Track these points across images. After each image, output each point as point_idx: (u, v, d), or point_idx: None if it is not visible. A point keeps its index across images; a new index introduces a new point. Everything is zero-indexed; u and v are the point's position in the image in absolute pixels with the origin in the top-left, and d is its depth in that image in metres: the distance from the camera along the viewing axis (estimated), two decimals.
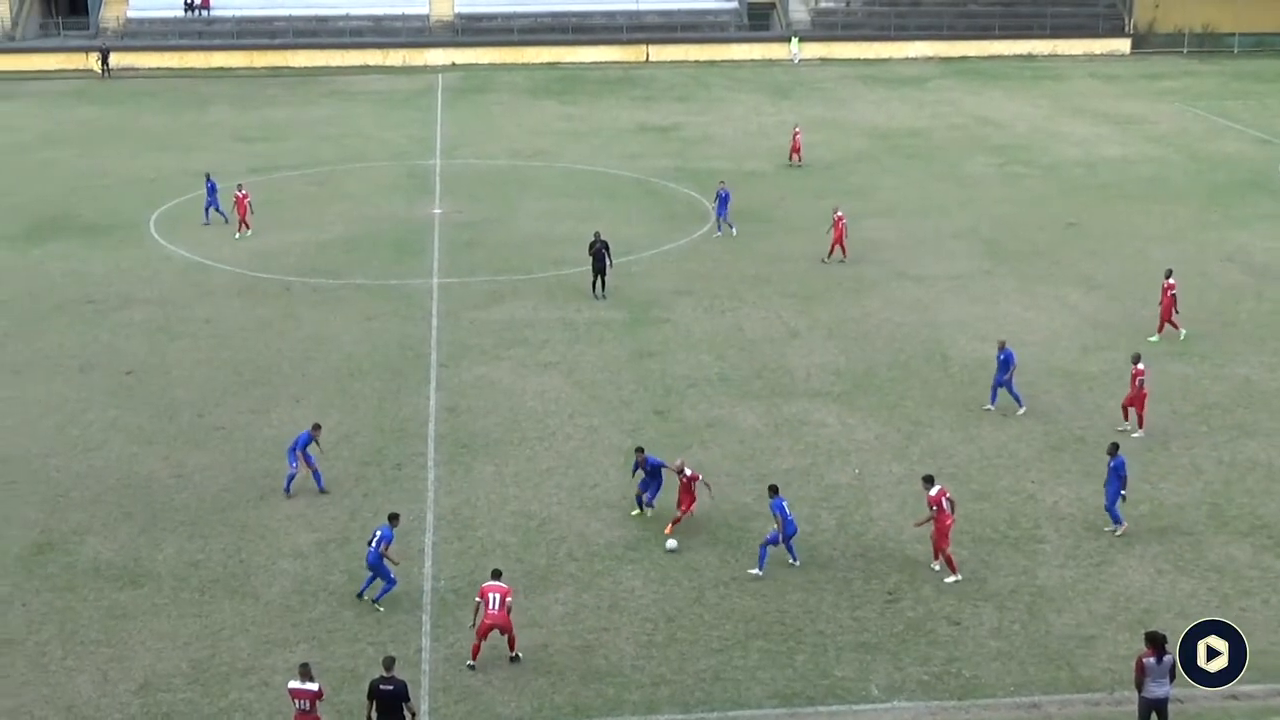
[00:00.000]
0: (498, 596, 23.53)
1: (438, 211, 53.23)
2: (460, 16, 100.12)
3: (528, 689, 23.05)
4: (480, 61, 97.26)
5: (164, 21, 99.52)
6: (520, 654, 23.93)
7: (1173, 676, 21.05)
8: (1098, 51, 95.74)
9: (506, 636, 23.77)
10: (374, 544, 25.39)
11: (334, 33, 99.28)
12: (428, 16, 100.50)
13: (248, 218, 51.28)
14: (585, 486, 30.39)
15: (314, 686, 21.16)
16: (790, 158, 62.25)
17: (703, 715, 22.66)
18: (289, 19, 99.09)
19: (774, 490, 26.87)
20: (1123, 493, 27.97)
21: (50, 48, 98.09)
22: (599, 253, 43.24)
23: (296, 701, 21.21)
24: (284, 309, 42.80)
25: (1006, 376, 33.90)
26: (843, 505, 29.52)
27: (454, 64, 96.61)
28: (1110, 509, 28.09)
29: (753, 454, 31.91)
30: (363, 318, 41.84)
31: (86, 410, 34.74)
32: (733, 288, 44.56)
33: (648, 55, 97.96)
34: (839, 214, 47.32)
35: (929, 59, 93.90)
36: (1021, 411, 33.96)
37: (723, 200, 50.82)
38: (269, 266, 47.22)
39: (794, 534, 26.88)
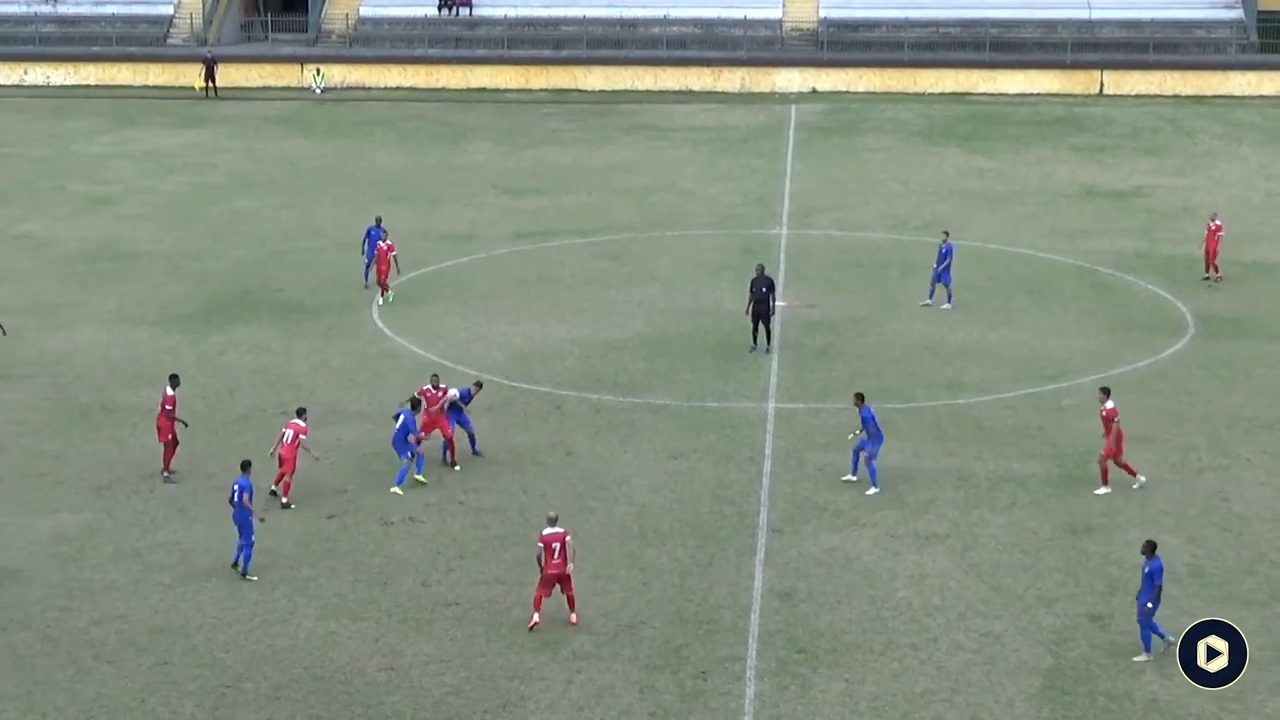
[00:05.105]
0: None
1: (781, 304, 53.76)
2: (827, 23, 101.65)
3: None
4: (853, 88, 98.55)
5: (409, 23, 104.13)
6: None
7: None
8: None
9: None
10: (236, 498, 35.11)
11: (644, 43, 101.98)
12: (780, 22, 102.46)
13: (390, 278, 55.14)
14: None
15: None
16: (1207, 268, 58.36)
17: None
18: (582, 22, 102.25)
19: (861, 399, 40.20)
20: (1149, 605, 31.76)
21: (254, 57, 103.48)
22: (763, 293, 49.68)
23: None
24: (551, 436, 43.75)
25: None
26: None
27: (814, 90, 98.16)
28: (1146, 624, 31.98)
29: (1239, 691, 30.78)
30: (664, 455, 42.42)
31: (270, 567, 36.04)
32: (1217, 435, 43.56)
33: (1102, 86, 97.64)
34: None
35: None
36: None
37: (944, 255, 54.08)
38: (533, 374, 48.39)
39: (882, 441, 39.85)
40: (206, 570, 35.78)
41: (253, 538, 35.33)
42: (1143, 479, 40.04)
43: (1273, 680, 31.35)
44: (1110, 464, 39.91)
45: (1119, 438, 39.85)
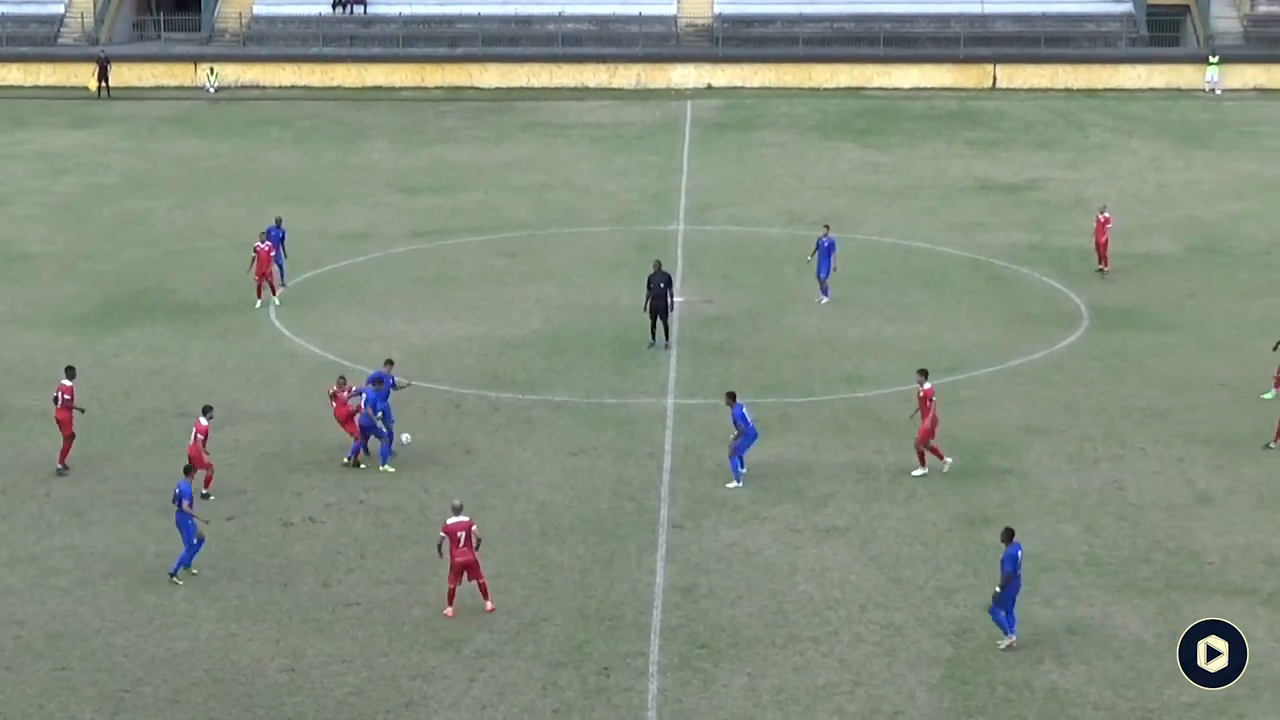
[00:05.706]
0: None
1: (679, 300, 53.84)
2: (722, 19, 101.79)
3: None
4: (748, 84, 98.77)
5: (303, 21, 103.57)
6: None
7: None
8: None
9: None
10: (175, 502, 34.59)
11: (539, 40, 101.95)
12: (675, 18, 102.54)
13: (273, 279, 54.87)
14: (881, 714, 30.06)
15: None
16: (1099, 260, 58.62)
17: None
18: (477, 20, 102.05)
19: (732, 398, 40.08)
20: (997, 589, 31.89)
21: (147, 56, 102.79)
22: (660, 289, 49.64)
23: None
24: (450, 434, 43.64)
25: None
26: None
27: (710, 86, 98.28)
28: (996, 613, 32.08)
29: (1135, 678, 31.11)
30: (564, 452, 42.40)
31: (169, 569, 35.78)
32: (1112, 425, 43.94)
33: (994, 80, 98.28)
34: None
35: None
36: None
37: (825, 251, 54.06)
38: (432, 372, 48.25)
39: (754, 438, 39.78)
40: (104, 574, 35.48)
41: (193, 540, 35.07)
42: (949, 460, 40.50)
43: (1169, 667, 31.60)
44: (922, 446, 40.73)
45: (934, 421, 40.44)
